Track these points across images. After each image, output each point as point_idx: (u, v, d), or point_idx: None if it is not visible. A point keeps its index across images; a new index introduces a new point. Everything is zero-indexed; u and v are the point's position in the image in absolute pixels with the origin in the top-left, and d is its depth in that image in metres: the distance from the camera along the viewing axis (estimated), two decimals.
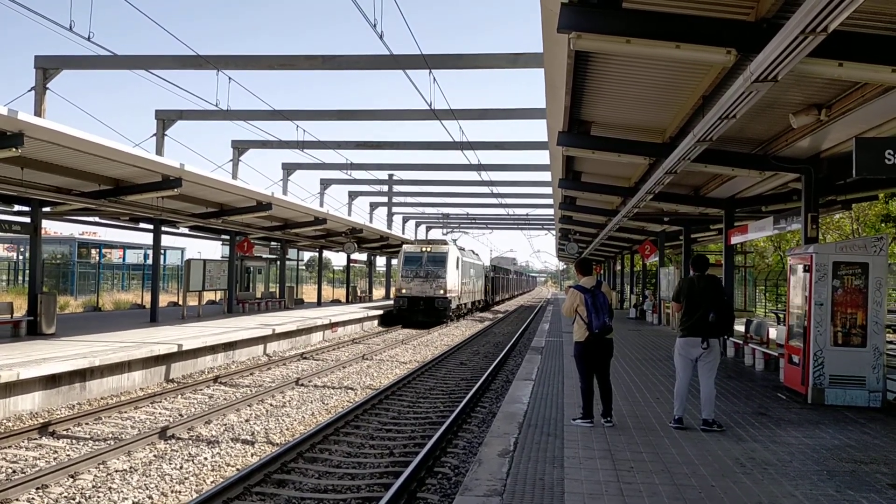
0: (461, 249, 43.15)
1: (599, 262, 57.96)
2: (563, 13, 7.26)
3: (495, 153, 33.68)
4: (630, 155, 13.67)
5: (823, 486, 6.50)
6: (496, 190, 41.24)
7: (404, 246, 38.26)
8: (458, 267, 38.66)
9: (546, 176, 32.37)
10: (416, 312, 35.82)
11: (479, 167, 32.13)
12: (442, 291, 35.99)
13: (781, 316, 20.72)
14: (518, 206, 51.78)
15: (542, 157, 29.70)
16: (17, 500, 8.42)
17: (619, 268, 51.73)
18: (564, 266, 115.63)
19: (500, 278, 74.08)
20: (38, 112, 20.12)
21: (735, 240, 18.84)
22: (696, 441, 8.24)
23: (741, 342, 16.76)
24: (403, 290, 36.25)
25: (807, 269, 11.19)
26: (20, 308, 21.35)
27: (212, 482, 9.31)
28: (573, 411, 9.72)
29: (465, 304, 44.10)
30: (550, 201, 39.52)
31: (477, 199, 49.64)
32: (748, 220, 18.72)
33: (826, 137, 11.44)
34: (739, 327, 18.07)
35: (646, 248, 32.14)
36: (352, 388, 16.89)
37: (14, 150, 13.15)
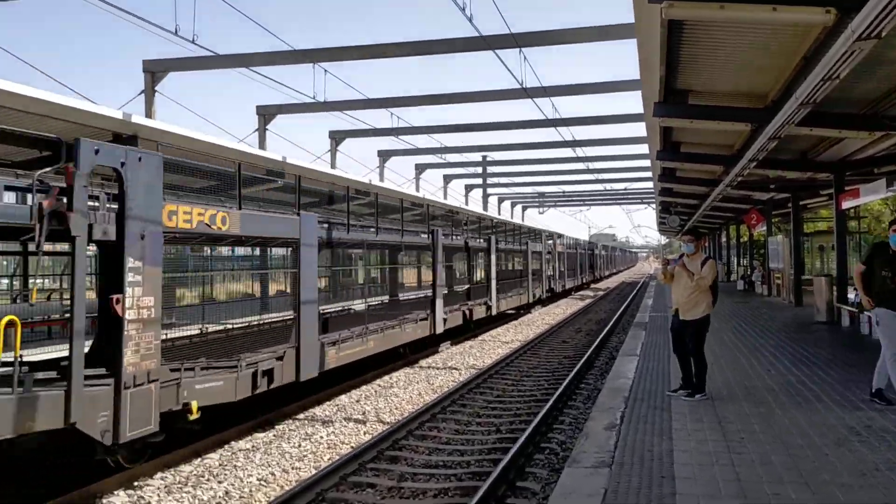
0: None
1: (704, 233, 56.33)
2: None
3: (590, 128, 33.05)
4: (730, 122, 13.28)
5: None
6: (592, 165, 40.66)
7: None
8: None
9: (643, 149, 31.70)
10: None
11: (574, 143, 31.78)
12: None
13: None
14: (615, 181, 50.87)
15: (639, 129, 28.85)
16: (151, 477, 9.06)
17: (723, 239, 50.16)
18: (667, 240, 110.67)
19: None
20: (149, 114, 21.17)
21: (846, 205, 18.01)
22: (811, 412, 8.04)
23: (857, 311, 16.08)
24: None
25: None
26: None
27: (328, 459, 9.75)
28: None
29: None
30: (649, 174, 38.59)
31: (573, 176, 49.00)
32: (860, 184, 17.86)
33: None
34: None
35: (752, 218, 31.07)
36: (455, 368, 17.18)
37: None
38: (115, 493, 8.45)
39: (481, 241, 26.90)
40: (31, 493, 8.15)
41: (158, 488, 8.61)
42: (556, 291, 41.21)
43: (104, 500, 8.21)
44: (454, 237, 24.39)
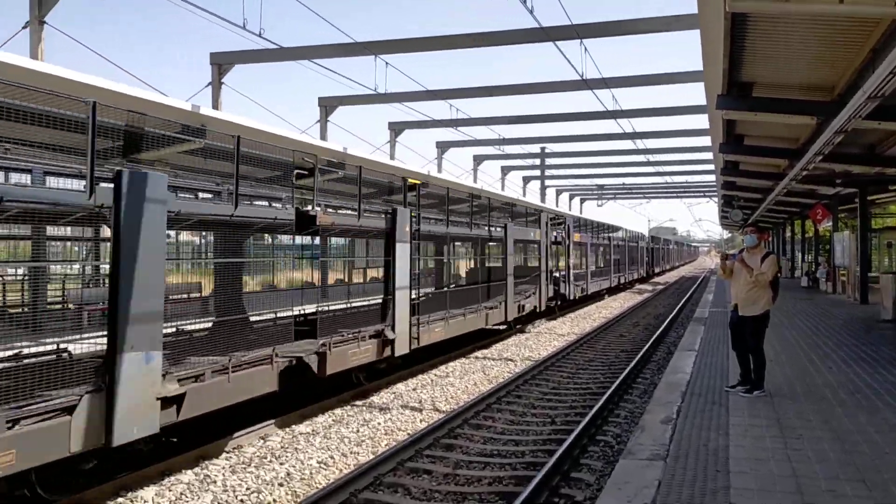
0: None
1: (767, 228, 55.10)
2: None
3: (651, 120, 32.52)
4: (795, 115, 13.05)
5: None
6: (652, 158, 40.14)
7: None
8: None
9: (706, 141, 31.19)
10: None
11: (634, 135, 31.45)
12: None
13: None
14: (676, 174, 50.14)
15: (701, 121, 28.49)
16: (216, 457, 9.42)
17: (788, 234, 49.01)
18: (729, 234, 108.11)
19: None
20: (216, 105, 21.72)
21: None
22: (871, 410, 7.92)
23: None
24: None
25: None
26: (207, 288, 23.35)
27: (386, 445, 9.98)
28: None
29: None
30: (711, 167, 38.01)
31: (632, 169, 48.50)
32: None
33: None
34: None
35: (817, 213, 30.35)
36: (511, 360, 17.28)
37: (197, 142, 14.42)
38: (183, 471, 8.82)
39: (375, 215, 14.74)
40: (107, 467, 8.56)
41: (223, 468, 8.95)
42: (568, 298, 28.95)
43: (172, 478, 8.57)
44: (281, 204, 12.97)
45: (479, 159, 43.24)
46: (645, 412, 8.43)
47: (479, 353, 18.24)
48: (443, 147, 38.74)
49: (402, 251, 14.38)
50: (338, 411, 11.87)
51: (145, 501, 7.83)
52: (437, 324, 16.22)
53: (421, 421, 11.35)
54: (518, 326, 23.06)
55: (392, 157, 30.80)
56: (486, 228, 21.05)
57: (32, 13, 15.58)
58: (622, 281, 43.86)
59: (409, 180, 15.64)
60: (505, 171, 48.04)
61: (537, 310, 24.52)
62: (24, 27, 15.55)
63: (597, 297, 36.37)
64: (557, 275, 27.68)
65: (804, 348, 12.88)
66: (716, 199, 52.74)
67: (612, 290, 41.10)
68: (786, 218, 44.53)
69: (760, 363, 8.97)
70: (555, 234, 28.03)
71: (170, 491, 8.13)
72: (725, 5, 7.42)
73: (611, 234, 42.62)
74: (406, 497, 7.84)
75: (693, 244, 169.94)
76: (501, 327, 21.59)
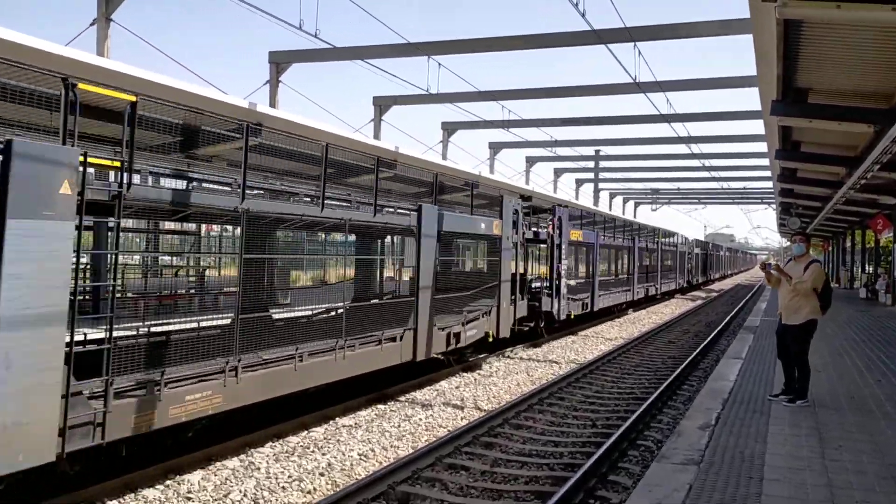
0: None
1: (827, 237, 53.76)
2: None
3: (706, 124, 32.03)
4: (851, 123, 12.81)
5: None
6: (708, 163, 39.56)
7: None
8: None
9: (763, 147, 30.68)
10: None
11: (689, 139, 31.07)
12: None
13: None
14: (733, 180, 49.32)
15: (757, 126, 27.83)
16: (262, 446, 9.69)
17: (848, 244, 47.77)
18: (788, 243, 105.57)
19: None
20: (273, 103, 22.19)
21: None
22: None
23: None
24: None
25: None
26: None
27: (426, 440, 10.13)
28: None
29: None
30: (768, 173, 37.31)
31: (688, 173, 47.87)
32: None
33: None
34: None
35: (878, 223, 29.58)
36: (556, 362, 17.29)
37: (253, 139, 14.80)
38: (229, 457, 9.10)
39: None
40: (154, 453, 8.88)
41: (267, 455, 9.21)
42: (557, 318, 20.78)
43: (218, 463, 8.86)
44: None
45: (531, 161, 43.20)
46: (684, 418, 8.42)
47: (523, 354, 18.29)
48: (495, 148, 38.82)
49: (40, 243, 6.40)
50: (381, 406, 12.07)
51: (191, 484, 8.12)
52: (206, 386, 8.41)
53: (462, 419, 11.48)
54: (474, 359, 16.37)
55: (444, 157, 31.00)
56: (373, 207, 13.00)
57: (100, 10, 16.17)
58: (650, 293, 36.91)
59: (83, 87, 6.95)
60: (558, 173, 47.90)
61: (491, 337, 16.50)
62: (91, 24, 16.15)
63: (612, 312, 29.51)
64: (538, 285, 20.78)
65: (854, 359, 12.63)
66: (774, 206, 51.67)
67: (640, 304, 34.95)
68: (846, 227, 43.42)
69: (804, 373, 8.86)
70: (536, 228, 21.21)
71: (215, 476, 8.41)
72: (776, 11, 7.38)
73: (635, 235, 34.90)
74: (443, 491, 7.97)
75: (750, 251, 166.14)
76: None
